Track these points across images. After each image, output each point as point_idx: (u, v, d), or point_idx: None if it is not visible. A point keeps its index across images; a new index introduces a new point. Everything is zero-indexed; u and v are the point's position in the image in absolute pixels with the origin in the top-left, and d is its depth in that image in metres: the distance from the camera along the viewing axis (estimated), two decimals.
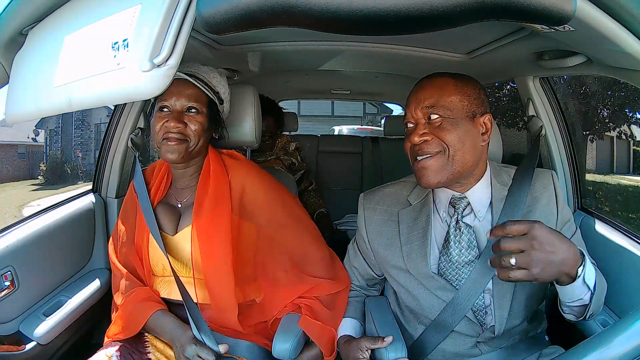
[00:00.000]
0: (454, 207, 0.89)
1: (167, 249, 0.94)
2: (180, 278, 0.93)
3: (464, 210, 0.89)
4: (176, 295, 0.93)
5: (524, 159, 0.97)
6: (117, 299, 0.98)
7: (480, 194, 0.89)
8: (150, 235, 0.95)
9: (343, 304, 1.00)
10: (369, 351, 0.86)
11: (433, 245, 0.89)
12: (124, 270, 0.99)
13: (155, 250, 0.95)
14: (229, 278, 0.91)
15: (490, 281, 0.85)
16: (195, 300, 0.93)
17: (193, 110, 0.94)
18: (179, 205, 1.00)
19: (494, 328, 0.85)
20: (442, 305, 0.86)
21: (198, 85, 0.94)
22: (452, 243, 0.88)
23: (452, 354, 0.87)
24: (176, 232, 0.97)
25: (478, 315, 0.86)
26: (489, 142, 0.91)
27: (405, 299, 0.94)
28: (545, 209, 0.88)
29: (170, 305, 0.96)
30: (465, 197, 0.89)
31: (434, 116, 0.84)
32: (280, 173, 1.52)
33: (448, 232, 0.88)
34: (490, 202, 0.89)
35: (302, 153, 2.22)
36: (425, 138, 0.83)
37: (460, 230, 0.88)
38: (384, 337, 0.85)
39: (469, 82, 0.87)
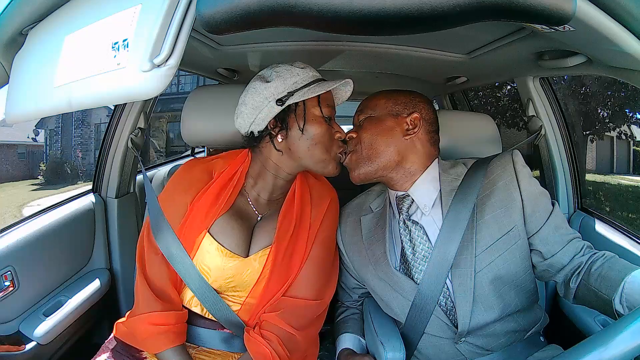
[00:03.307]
0: (399, 206, 0.91)
1: (233, 270, 0.83)
2: (221, 294, 0.86)
3: (408, 208, 0.90)
4: (197, 308, 0.88)
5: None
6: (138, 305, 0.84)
7: (424, 190, 0.90)
8: (202, 243, 0.83)
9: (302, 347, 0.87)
10: None
11: (393, 245, 0.91)
12: (148, 287, 0.84)
13: (209, 265, 0.84)
14: (270, 301, 0.86)
15: (449, 275, 0.83)
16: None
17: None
18: (259, 218, 0.88)
19: (465, 324, 0.83)
20: (409, 306, 0.86)
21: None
22: (404, 243, 0.89)
23: (435, 357, 0.87)
24: (248, 254, 0.84)
25: (450, 316, 0.85)
26: (435, 141, 0.94)
27: (382, 306, 0.95)
28: (503, 191, 0.85)
29: (192, 315, 0.89)
30: (409, 195, 0.90)
31: (361, 119, 0.94)
32: None
33: (400, 233, 0.90)
34: (440, 197, 0.88)
35: None
36: (351, 135, 0.93)
37: (408, 229, 0.89)
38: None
39: (402, 91, 0.96)
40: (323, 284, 0.92)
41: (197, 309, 0.89)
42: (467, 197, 0.84)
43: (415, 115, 0.91)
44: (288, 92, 0.81)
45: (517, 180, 0.85)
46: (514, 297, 0.85)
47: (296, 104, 0.82)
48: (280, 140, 0.84)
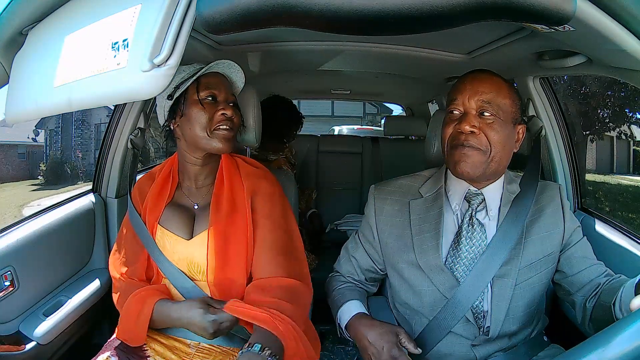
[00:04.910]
0: (469, 202, 0.90)
1: (182, 253, 0.93)
2: (193, 281, 0.93)
3: (478, 206, 0.90)
4: (177, 297, 0.93)
5: (525, 170, 0.97)
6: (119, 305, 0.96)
7: (493, 193, 0.91)
8: (156, 232, 0.94)
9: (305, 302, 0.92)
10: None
11: (444, 238, 0.90)
12: (121, 279, 0.97)
13: (167, 254, 0.94)
14: (242, 282, 0.91)
15: (490, 283, 0.85)
16: None
17: (231, 103, 0.94)
18: (196, 207, 0.97)
19: (489, 330, 0.85)
20: (443, 302, 0.86)
21: (235, 81, 1.00)
22: (463, 239, 0.88)
23: (446, 355, 0.87)
24: (192, 236, 0.94)
25: (478, 319, 0.86)
26: None
27: (405, 296, 0.93)
28: (550, 219, 0.90)
29: None
30: (481, 193, 0.90)
31: (487, 113, 0.84)
32: (284, 172, 1.52)
33: (460, 227, 0.89)
34: (500, 205, 0.90)
35: (304, 153, 2.34)
36: (474, 130, 0.83)
37: (473, 227, 0.88)
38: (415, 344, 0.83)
39: (516, 90, 0.90)
40: (289, 264, 0.93)
41: (176, 298, 0.94)
42: (520, 213, 0.87)
43: (523, 127, 0.90)
44: (175, 87, 0.92)
45: (563, 213, 0.92)
46: (534, 311, 0.90)
47: (182, 94, 0.92)
48: (172, 128, 0.95)
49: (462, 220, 0.89)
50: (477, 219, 0.89)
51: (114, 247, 1.03)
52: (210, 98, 0.92)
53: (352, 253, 1.02)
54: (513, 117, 0.86)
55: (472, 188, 0.91)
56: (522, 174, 0.96)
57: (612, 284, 0.81)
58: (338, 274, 1.05)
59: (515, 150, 0.90)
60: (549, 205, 0.92)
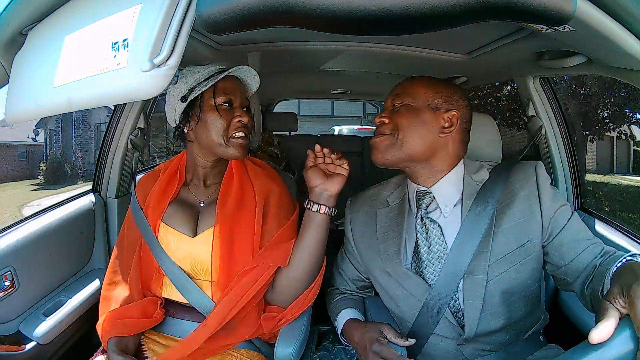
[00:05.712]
0: (418, 201, 0.90)
1: (185, 250, 0.92)
2: (196, 280, 0.92)
3: (427, 206, 0.89)
4: (176, 296, 0.93)
5: (508, 157, 0.96)
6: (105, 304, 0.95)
7: (446, 189, 0.88)
8: (159, 230, 0.93)
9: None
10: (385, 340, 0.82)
11: (407, 243, 0.89)
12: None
13: (170, 252, 0.93)
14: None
15: (462, 281, 0.83)
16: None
17: (245, 108, 0.94)
18: (202, 204, 0.96)
19: (472, 330, 0.83)
20: (419, 306, 0.85)
21: (250, 84, 0.99)
22: (419, 241, 0.87)
23: (436, 356, 0.87)
24: (196, 234, 0.93)
25: (457, 318, 0.84)
26: (466, 140, 0.91)
27: (386, 303, 0.94)
28: (524, 202, 0.84)
29: (174, 306, 0.96)
30: (430, 192, 0.89)
31: (396, 104, 0.90)
32: (284, 174, 1.51)
33: (416, 229, 0.88)
34: (461, 199, 0.87)
35: (304, 153, 2.30)
36: (383, 120, 0.89)
37: (425, 227, 0.87)
38: (407, 337, 0.83)
39: (443, 82, 0.91)
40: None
41: (176, 298, 0.93)
42: (487, 203, 0.83)
43: (454, 113, 0.87)
44: (189, 89, 0.90)
45: (539, 194, 0.84)
46: (521, 306, 0.85)
47: (196, 97, 0.90)
48: (186, 131, 0.94)
49: (416, 222, 0.89)
50: (429, 219, 0.87)
51: (111, 266, 1.00)
52: (226, 104, 0.91)
53: (340, 266, 1.05)
54: (429, 102, 0.88)
55: (421, 187, 0.90)
56: (497, 163, 0.93)
57: (603, 266, 0.73)
58: (333, 287, 1.09)
59: (442, 135, 0.87)
60: (523, 188, 0.85)
